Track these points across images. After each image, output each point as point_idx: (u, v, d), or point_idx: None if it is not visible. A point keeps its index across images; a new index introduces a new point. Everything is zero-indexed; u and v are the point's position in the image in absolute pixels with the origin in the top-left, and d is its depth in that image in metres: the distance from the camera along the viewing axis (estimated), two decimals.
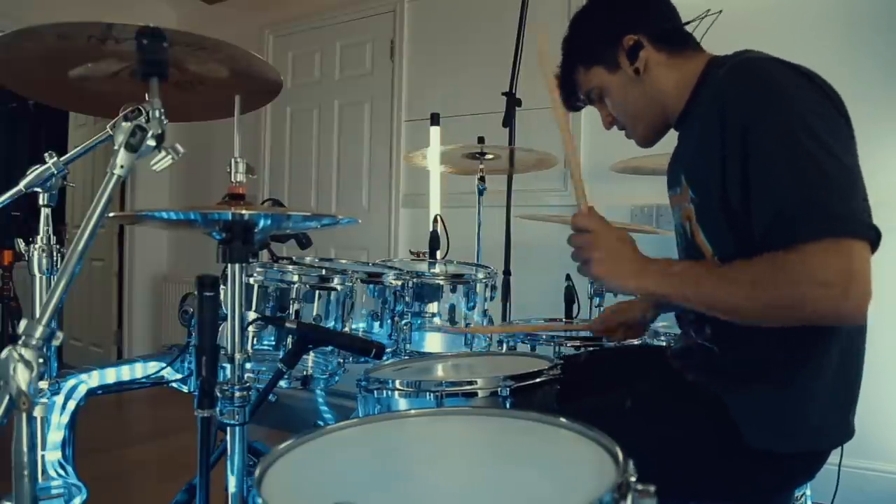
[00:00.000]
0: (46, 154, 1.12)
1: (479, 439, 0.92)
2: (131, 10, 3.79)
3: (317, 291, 1.58)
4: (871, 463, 2.28)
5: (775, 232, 0.91)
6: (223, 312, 1.07)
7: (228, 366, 1.05)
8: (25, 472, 0.77)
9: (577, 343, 1.89)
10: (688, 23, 1.23)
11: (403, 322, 1.76)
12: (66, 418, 1.26)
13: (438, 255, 2.25)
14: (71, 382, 1.27)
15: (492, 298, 1.94)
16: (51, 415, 1.23)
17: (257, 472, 0.74)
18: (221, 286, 1.07)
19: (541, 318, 2.32)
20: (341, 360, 1.59)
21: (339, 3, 3.84)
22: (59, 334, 0.79)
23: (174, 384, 1.43)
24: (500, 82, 2.34)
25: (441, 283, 1.85)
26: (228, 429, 1.05)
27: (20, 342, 0.75)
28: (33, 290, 1.18)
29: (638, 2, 1.25)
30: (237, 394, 1.03)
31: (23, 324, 0.76)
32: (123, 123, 0.87)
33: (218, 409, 1.03)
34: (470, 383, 1.20)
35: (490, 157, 2.36)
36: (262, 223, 1.11)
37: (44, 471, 1.20)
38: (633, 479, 0.64)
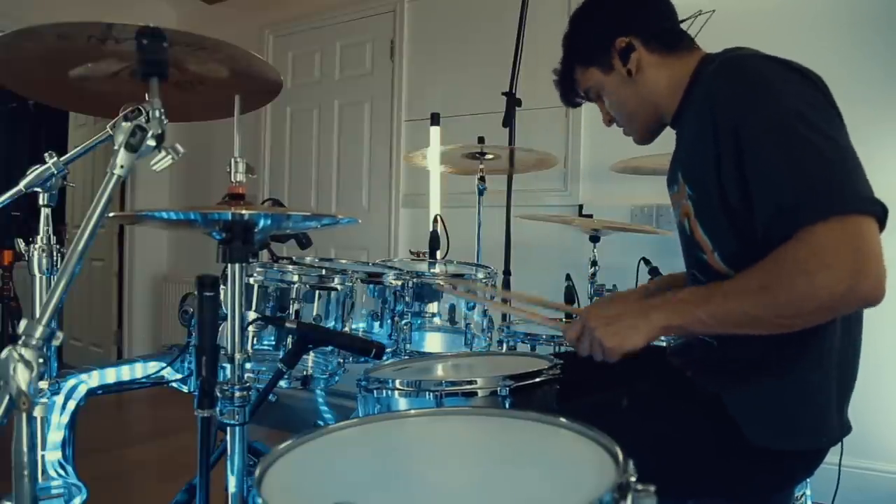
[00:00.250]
0: (46, 154, 1.12)
1: (479, 439, 0.92)
2: (131, 10, 3.79)
3: (317, 291, 1.58)
4: (872, 463, 2.28)
5: (778, 224, 0.90)
6: (223, 312, 1.07)
7: (228, 366, 1.05)
8: (25, 472, 0.77)
9: None
10: (681, 22, 1.24)
11: (403, 322, 1.76)
12: (66, 418, 1.26)
13: (438, 255, 2.26)
14: (71, 382, 1.27)
15: (492, 298, 1.94)
16: (51, 415, 1.23)
17: (257, 472, 0.74)
18: (221, 286, 1.07)
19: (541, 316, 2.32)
20: (341, 360, 1.59)
21: (339, 3, 3.84)
22: (59, 334, 0.79)
23: (174, 384, 1.43)
24: (500, 82, 2.34)
25: (441, 283, 1.85)
26: (228, 429, 1.05)
27: (20, 342, 0.75)
28: (33, 290, 1.18)
29: (631, 3, 1.25)
30: (237, 394, 1.03)
31: (23, 324, 0.76)
32: (123, 123, 0.87)
33: (218, 409, 1.03)
34: (470, 383, 1.20)
35: (490, 157, 2.36)
36: (262, 223, 1.11)
37: (44, 471, 1.20)
38: (633, 478, 0.64)
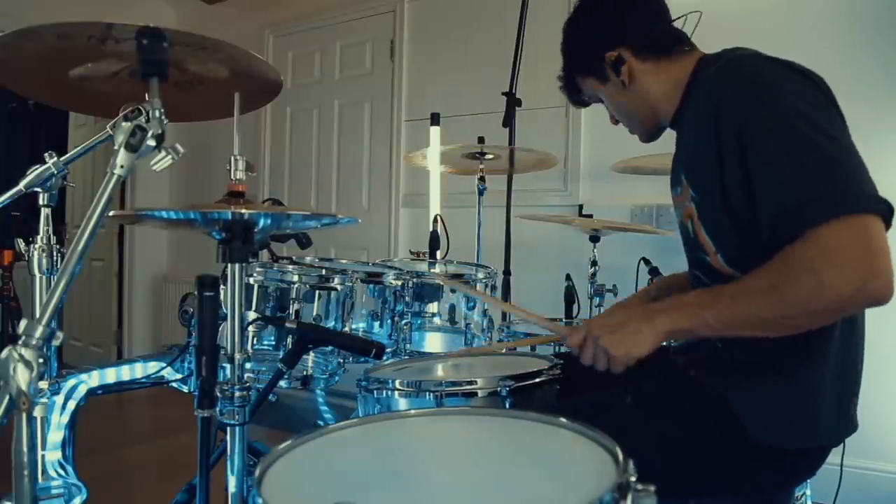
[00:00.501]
0: (46, 154, 1.12)
1: (479, 439, 0.92)
2: (131, 10, 3.79)
3: (317, 291, 1.58)
4: (872, 463, 2.28)
5: (783, 224, 0.89)
6: (223, 312, 1.07)
7: (228, 366, 1.05)
8: (25, 472, 0.77)
9: None
10: (672, 21, 1.23)
11: (403, 322, 1.76)
12: (66, 418, 1.26)
13: (438, 255, 2.25)
14: (71, 382, 1.27)
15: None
16: (51, 415, 1.23)
17: (257, 472, 0.74)
18: (221, 286, 1.07)
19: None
20: (341, 360, 1.59)
21: (339, 3, 3.84)
22: (59, 334, 0.79)
23: (174, 384, 1.43)
24: (500, 82, 2.34)
25: (441, 283, 1.85)
26: (228, 429, 1.05)
27: (20, 342, 0.75)
28: (33, 290, 1.18)
29: (616, 15, 1.24)
30: (237, 394, 1.03)
31: (23, 324, 0.76)
32: (123, 123, 0.87)
33: (218, 409, 1.03)
34: (470, 383, 1.20)
35: (490, 157, 2.36)
36: (262, 223, 1.11)
37: (44, 471, 1.20)
38: (633, 478, 0.64)
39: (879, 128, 2.29)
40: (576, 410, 0.88)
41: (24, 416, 0.75)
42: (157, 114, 0.89)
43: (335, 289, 1.60)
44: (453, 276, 1.92)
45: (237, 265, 1.05)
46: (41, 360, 0.76)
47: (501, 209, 2.47)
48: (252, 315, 1.49)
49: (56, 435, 1.24)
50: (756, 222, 0.96)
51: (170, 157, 0.92)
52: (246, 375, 1.06)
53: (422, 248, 2.27)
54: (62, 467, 1.23)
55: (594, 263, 2.27)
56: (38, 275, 1.18)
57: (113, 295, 4.54)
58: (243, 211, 1.00)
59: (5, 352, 0.74)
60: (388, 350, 1.60)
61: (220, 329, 1.05)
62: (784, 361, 1.03)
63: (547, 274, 2.57)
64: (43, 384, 1.00)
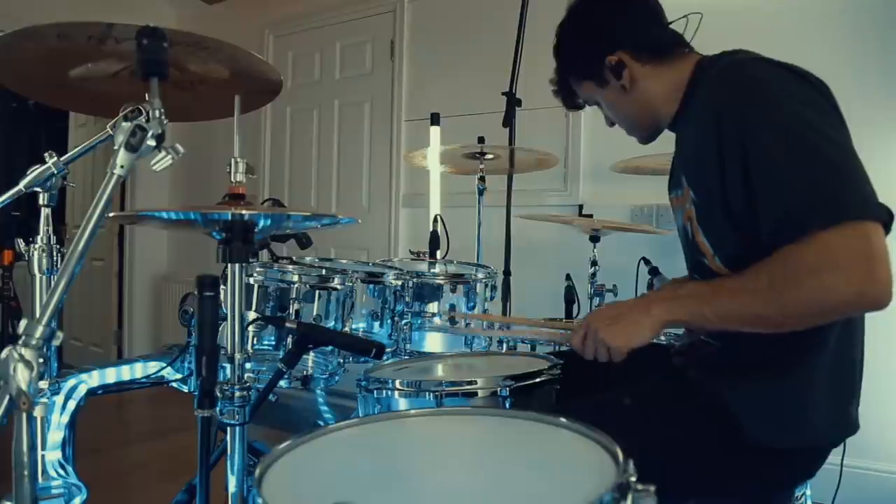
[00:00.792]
0: (46, 154, 1.12)
1: (478, 439, 0.92)
2: (131, 10, 3.77)
3: (317, 291, 1.58)
4: (872, 463, 2.28)
5: (784, 229, 0.90)
6: (223, 312, 1.07)
7: (228, 366, 1.05)
8: (25, 472, 0.77)
9: None
10: (670, 24, 1.23)
11: (403, 322, 1.76)
12: (66, 418, 1.26)
13: (438, 255, 2.25)
14: (71, 382, 1.27)
15: (492, 298, 1.94)
16: (51, 415, 1.23)
17: (257, 472, 0.74)
18: (221, 286, 1.07)
19: (541, 318, 2.32)
20: (341, 360, 1.59)
21: (339, 3, 3.84)
22: (59, 334, 0.79)
23: (174, 384, 1.43)
24: (500, 82, 2.34)
25: (441, 283, 1.85)
26: (228, 429, 1.05)
27: (20, 342, 0.75)
28: (33, 290, 1.18)
29: (615, 18, 1.23)
30: (237, 394, 1.03)
31: (23, 324, 0.76)
32: (123, 123, 0.87)
33: (218, 409, 1.03)
34: (470, 383, 1.20)
35: (490, 157, 2.36)
36: (262, 223, 1.11)
37: (44, 471, 1.20)
38: (633, 478, 0.64)
39: (878, 128, 2.29)
40: (576, 410, 0.88)
41: (24, 415, 0.75)
42: (157, 114, 0.89)
43: (335, 289, 1.60)
44: (453, 276, 1.92)
45: (237, 265, 1.05)
46: (41, 360, 0.76)
47: (501, 209, 2.47)
48: (252, 315, 1.49)
49: (56, 435, 1.24)
50: (756, 226, 0.96)
51: (170, 157, 0.92)
52: (246, 375, 1.06)
53: (422, 248, 2.27)
54: (62, 467, 1.23)
55: (594, 263, 2.27)
56: (38, 275, 1.18)
57: (113, 295, 4.54)
58: (243, 212, 1.00)
59: (5, 352, 0.74)
60: (388, 350, 1.60)
61: (220, 329, 1.05)
62: (782, 362, 1.04)
63: (547, 274, 2.57)
64: (43, 384, 1.00)
